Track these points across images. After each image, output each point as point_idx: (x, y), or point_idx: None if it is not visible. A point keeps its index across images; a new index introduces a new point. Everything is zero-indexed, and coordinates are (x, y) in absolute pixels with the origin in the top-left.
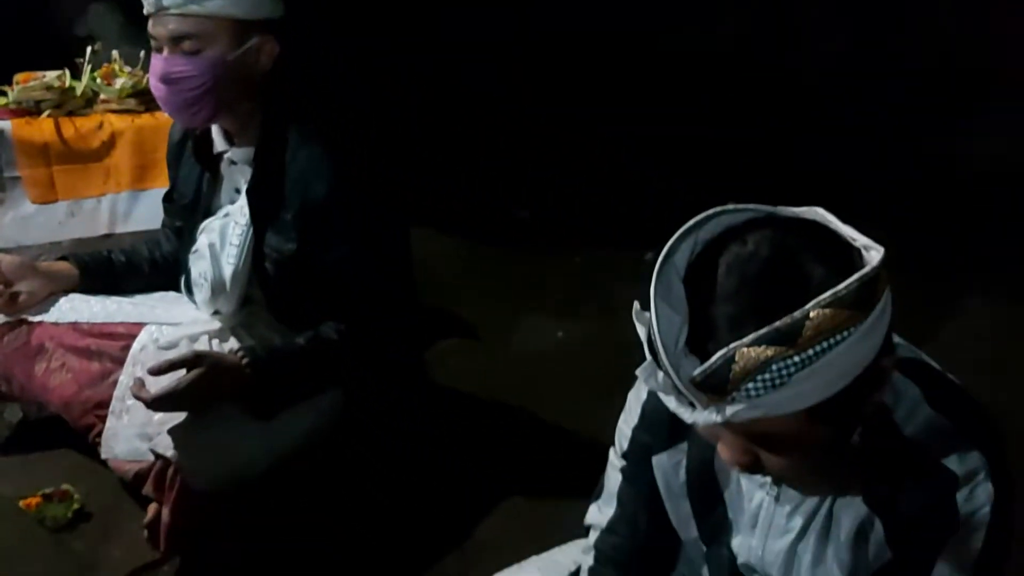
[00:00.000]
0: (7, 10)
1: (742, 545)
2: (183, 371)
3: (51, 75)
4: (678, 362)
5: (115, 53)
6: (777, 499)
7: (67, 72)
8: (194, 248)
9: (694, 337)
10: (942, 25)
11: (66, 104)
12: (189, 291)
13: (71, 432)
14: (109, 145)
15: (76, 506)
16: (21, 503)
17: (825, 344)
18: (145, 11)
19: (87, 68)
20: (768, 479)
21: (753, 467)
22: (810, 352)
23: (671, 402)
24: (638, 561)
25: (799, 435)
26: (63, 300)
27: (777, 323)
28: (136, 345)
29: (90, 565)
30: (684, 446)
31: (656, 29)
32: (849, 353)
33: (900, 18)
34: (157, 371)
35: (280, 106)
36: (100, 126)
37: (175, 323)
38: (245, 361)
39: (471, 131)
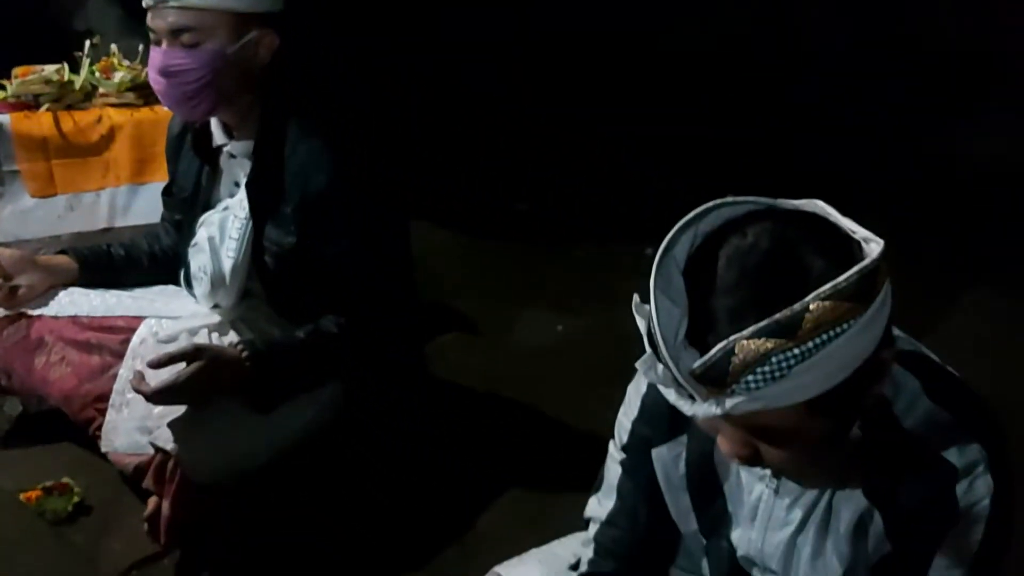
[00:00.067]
0: (6, 4)
1: (741, 538)
2: (183, 364)
3: (50, 69)
4: (678, 355)
5: (114, 47)
6: (776, 492)
7: (66, 66)
8: (193, 242)
9: (694, 330)
10: (942, 25)
11: (65, 98)
12: (188, 285)
13: (71, 425)
14: (108, 139)
15: (76, 499)
16: (21, 496)
17: (825, 336)
18: (144, 4)
19: (86, 62)
20: (768, 472)
21: (753, 460)
22: (810, 344)
23: (671, 395)
24: (638, 554)
25: (799, 428)
26: (63, 294)
27: (777, 315)
28: (136, 339)
29: (90, 558)
30: (684, 439)
31: (656, 29)
32: (849, 345)
33: (900, 18)
34: (157, 364)
35: (279, 100)
36: (99, 120)
37: (175, 317)
38: (245, 354)
39: (471, 131)
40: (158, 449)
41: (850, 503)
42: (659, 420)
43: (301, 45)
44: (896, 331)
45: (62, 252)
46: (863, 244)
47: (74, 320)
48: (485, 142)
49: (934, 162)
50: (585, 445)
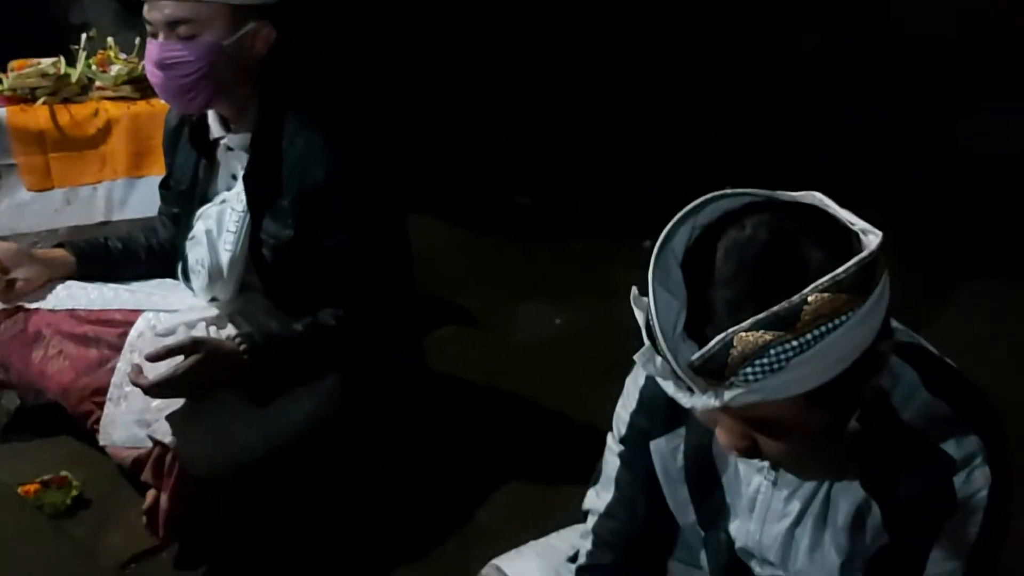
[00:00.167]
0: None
1: (740, 529)
2: (181, 357)
3: (46, 62)
4: (676, 347)
5: (110, 40)
6: (775, 483)
7: (62, 59)
8: (191, 235)
9: (692, 322)
10: (943, 25)
11: (61, 91)
12: (186, 278)
13: (69, 419)
14: (105, 132)
15: (75, 493)
16: (20, 490)
17: (823, 328)
18: None
19: (82, 55)
20: (766, 463)
21: (751, 451)
22: (808, 337)
23: (669, 387)
24: (636, 546)
25: (797, 419)
26: (60, 287)
27: (775, 308)
28: (133, 332)
29: (89, 551)
30: (682, 431)
31: (656, 29)
32: (847, 337)
33: (900, 18)
34: (155, 357)
35: (277, 92)
36: (96, 113)
37: (172, 310)
38: (243, 347)
39: (473, 130)
40: (156, 442)
41: (848, 495)
42: (657, 412)
43: (299, 39)
44: (894, 323)
45: (59, 245)
46: (861, 236)
47: (72, 313)
48: (487, 141)
49: (935, 162)
50: (583, 437)
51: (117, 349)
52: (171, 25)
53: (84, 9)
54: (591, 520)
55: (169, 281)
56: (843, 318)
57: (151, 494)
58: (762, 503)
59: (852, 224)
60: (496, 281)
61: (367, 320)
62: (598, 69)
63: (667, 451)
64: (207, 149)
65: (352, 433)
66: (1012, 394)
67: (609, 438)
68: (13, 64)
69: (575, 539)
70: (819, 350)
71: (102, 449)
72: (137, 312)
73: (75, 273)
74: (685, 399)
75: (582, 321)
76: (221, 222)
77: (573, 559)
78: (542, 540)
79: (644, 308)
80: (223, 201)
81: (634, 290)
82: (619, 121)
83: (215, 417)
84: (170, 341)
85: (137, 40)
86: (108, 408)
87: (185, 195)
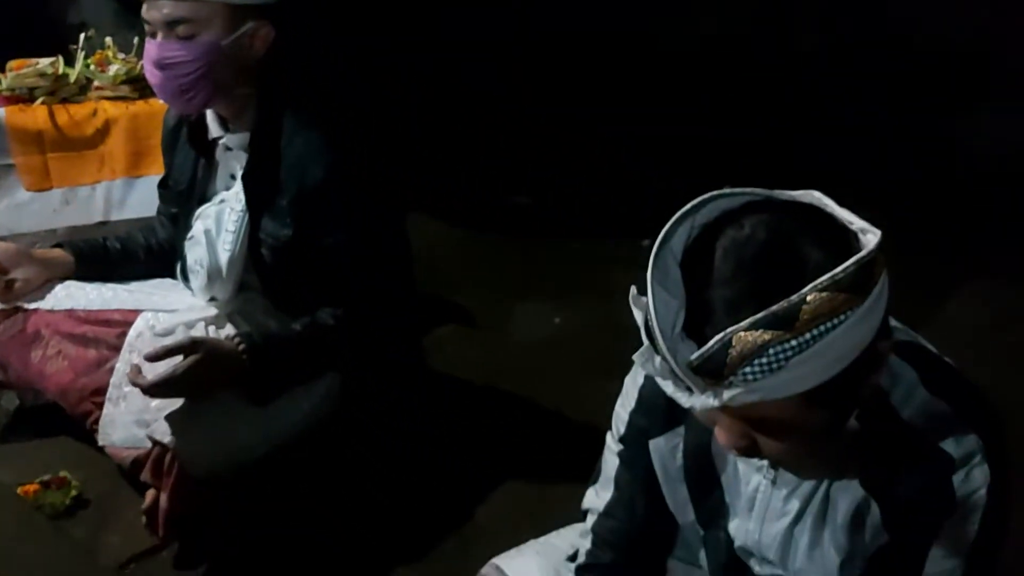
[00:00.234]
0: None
1: (739, 528)
2: (180, 357)
3: (44, 62)
4: (675, 346)
5: (109, 40)
6: (774, 482)
7: (61, 59)
8: (190, 235)
9: (691, 321)
10: (941, 25)
11: (60, 91)
12: (185, 278)
13: (68, 419)
14: (103, 132)
15: (74, 493)
16: (19, 490)
17: (822, 328)
18: None
19: (81, 55)
20: (765, 463)
21: (750, 451)
22: (807, 336)
23: (668, 387)
24: (635, 545)
25: (796, 419)
26: (59, 287)
27: (774, 307)
28: (132, 332)
29: (89, 551)
30: (681, 430)
31: (655, 29)
32: (846, 337)
33: (899, 18)
34: (153, 357)
35: (276, 92)
36: (94, 113)
37: (171, 310)
38: (241, 347)
39: (471, 130)
40: (155, 442)
41: (847, 494)
42: (656, 412)
43: (298, 38)
44: (893, 322)
45: (58, 246)
46: (860, 235)
47: (70, 314)
48: (485, 141)
49: (934, 162)
50: (583, 437)
51: (116, 349)
52: (170, 25)
53: (82, 9)
54: (590, 519)
55: (168, 281)
56: (842, 317)
57: (150, 494)
58: (761, 502)
59: (851, 223)
60: (495, 280)
61: (366, 319)
62: (596, 69)
63: (666, 450)
64: (206, 149)
65: (351, 433)
66: (1012, 394)
67: (608, 437)
68: (11, 64)
69: (575, 538)
70: (818, 349)
71: (101, 449)
72: (136, 312)
73: (74, 273)
74: (684, 399)
75: (581, 320)
76: (220, 222)
77: (573, 558)
78: (542, 539)
79: (643, 308)
80: (222, 201)
81: (633, 289)
82: (617, 121)
83: (214, 417)
84: (169, 341)
85: (136, 40)
86: (107, 408)
87: (184, 195)
